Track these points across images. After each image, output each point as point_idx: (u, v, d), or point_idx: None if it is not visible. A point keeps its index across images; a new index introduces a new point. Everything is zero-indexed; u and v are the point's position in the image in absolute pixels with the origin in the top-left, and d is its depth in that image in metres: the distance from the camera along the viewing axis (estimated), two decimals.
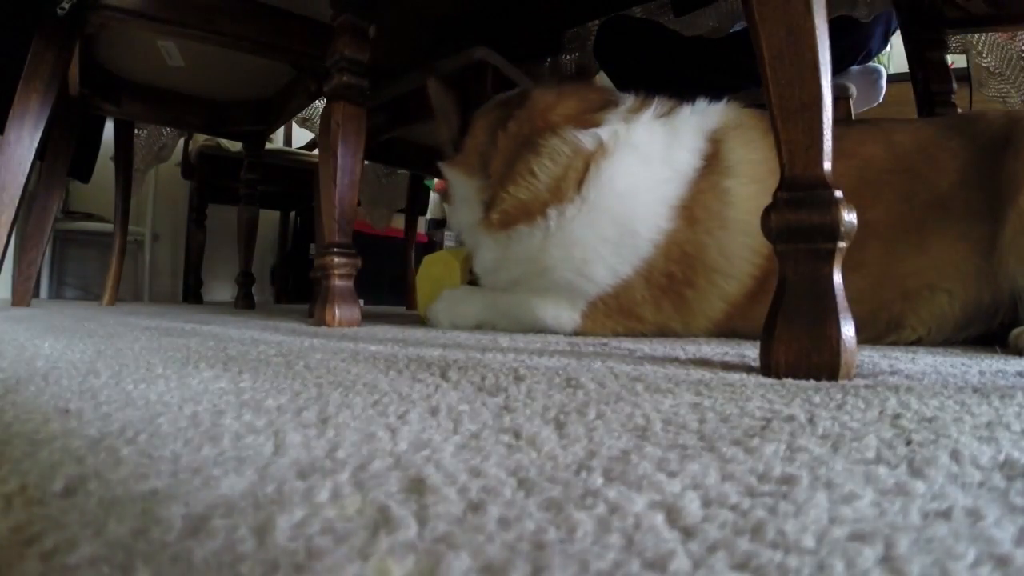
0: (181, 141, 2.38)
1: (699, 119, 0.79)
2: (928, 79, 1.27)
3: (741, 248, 0.73)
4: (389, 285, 2.75)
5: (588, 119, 0.81)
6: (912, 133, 0.78)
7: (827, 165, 0.43)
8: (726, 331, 0.79)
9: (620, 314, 0.78)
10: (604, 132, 0.78)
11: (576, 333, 0.81)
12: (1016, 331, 0.63)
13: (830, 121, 0.43)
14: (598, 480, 0.20)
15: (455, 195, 0.97)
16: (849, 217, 0.42)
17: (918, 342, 0.73)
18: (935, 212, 0.73)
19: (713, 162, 0.75)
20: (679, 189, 0.74)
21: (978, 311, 0.72)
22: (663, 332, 0.80)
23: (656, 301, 0.77)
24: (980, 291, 0.71)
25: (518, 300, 0.85)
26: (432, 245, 3.35)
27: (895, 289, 0.73)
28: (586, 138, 0.78)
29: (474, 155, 0.92)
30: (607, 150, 0.76)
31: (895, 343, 0.73)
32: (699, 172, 0.75)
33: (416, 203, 2.46)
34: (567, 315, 0.80)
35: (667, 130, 0.78)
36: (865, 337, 0.73)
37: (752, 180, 0.74)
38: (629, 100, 0.84)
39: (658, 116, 0.80)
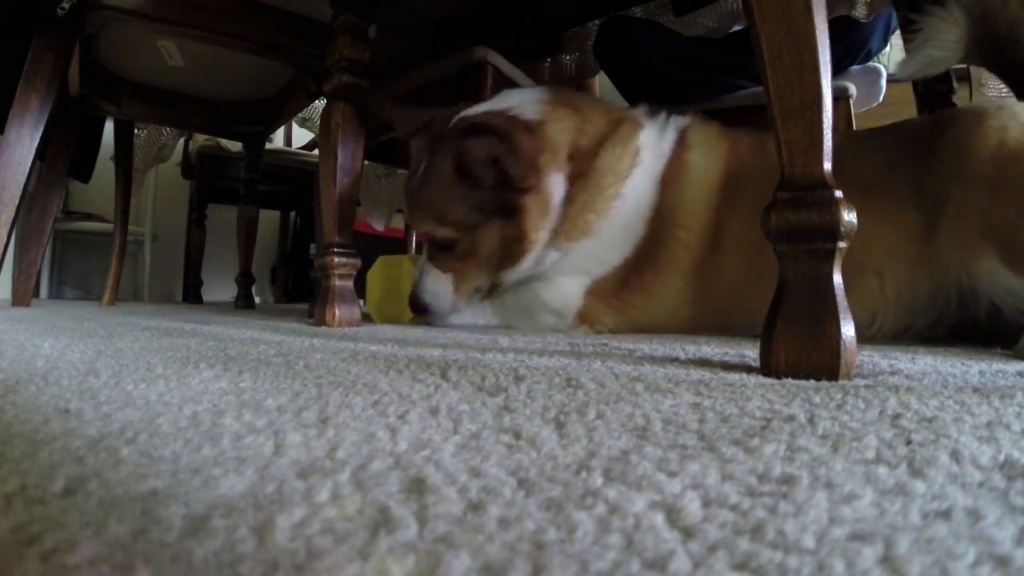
0: (181, 141, 2.38)
1: (678, 122, 1.01)
2: (928, 79, 1.27)
3: (692, 203, 0.91)
4: None
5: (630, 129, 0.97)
6: (839, 137, 0.87)
7: (827, 165, 0.43)
8: (703, 296, 0.88)
9: (616, 286, 0.91)
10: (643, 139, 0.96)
11: (576, 315, 0.90)
12: None
13: (830, 121, 0.43)
14: (598, 480, 0.20)
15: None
16: (849, 217, 0.42)
17: (875, 333, 0.75)
18: (854, 190, 0.76)
19: (680, 142, 0.96)
20: (660, 165, 0.94)
21: (916, 297, 0.74)
22: (652, 311, 0.90)
23: (639, 264, 0.92)
24: (915, 276, 0.74)
25: (525, 292, 0.94)
26: None
27: None
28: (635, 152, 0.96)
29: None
30: (642, 160, 0.93)
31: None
32: (672, 149, 0.96)
33: None
34: (572, 289, 0.91)
35: (663, 135, 0.98)
36: None
37: (701, 153, 0.95)
38: (642, 109, 1.02)
39: (660, 124, 1.00)
